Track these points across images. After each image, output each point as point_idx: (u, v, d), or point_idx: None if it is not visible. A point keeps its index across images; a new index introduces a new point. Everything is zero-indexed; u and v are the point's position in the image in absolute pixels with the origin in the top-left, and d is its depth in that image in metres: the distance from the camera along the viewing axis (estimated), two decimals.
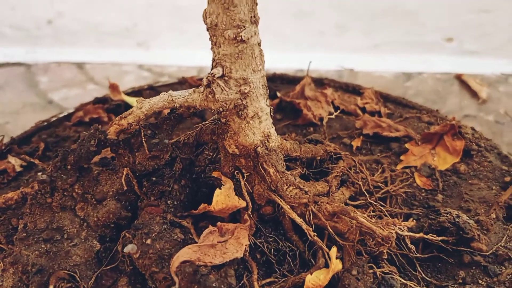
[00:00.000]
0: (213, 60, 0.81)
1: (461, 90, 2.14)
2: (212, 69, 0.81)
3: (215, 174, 0.89)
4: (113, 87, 1.31)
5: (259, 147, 0.84)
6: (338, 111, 1.30)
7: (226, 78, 0.80)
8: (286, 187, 0.85)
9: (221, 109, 0.81)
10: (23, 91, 2.21)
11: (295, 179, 0.88)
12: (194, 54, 2.39)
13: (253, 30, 0.78)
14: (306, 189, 0.87)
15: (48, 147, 1.23)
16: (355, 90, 1.43)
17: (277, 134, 0.90)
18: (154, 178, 0.88)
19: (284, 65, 2.33)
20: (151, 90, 1.43)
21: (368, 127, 1.25)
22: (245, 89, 0.80)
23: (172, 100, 0.83)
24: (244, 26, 0.76)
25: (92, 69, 2.38)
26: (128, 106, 1.33)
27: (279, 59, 2.35)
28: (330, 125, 1.29)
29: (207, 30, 0.80)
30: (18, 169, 1.15)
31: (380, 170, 1.12)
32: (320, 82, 1.45)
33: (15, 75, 2.34)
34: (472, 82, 2.15)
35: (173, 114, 0.89)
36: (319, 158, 1.01)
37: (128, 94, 1.39)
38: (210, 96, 0.80)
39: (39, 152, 1.20)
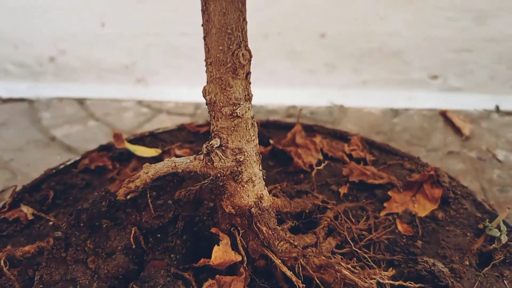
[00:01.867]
0: (212, 131, 0.92)
1: (445, 126, 2.25)
2: (211, 139, 0.91)
3: (213, 230, 0.99)
4: (117, 136, 1.41)
5: (253, 208, 0.94)
6: (326, 162, 1.40)
7: (223, 148, 0.90)
8: (278, 242, 0.95)
9: (219, 175, 0.91)
10: (26, 127, 2.30)
11: (285, 234, 0.98)
12: (191, 91, 2.51)
13: (247, 106, 0.89)
14: (296, 243, 0.97)
15: (57, 194, 1.32)
16: (343, 137, 1.53)
17: (270, 183, 1.00)
18: (159, 235, 0.98)
19: (278, 101, 2.44)
20: (152, 137, 1.53)
21: (354, 175, 1.35)
22: (240, 157, 0.90)
23: (175, 166, 0.92)
24: (239, 104, 0.87)
25: (93, 105, 2.48)
26: (130, 154, 1.43)
27: (273, 95, 2.46)
28: (319, 172, 1.39)
29: (206, 105, 0.90)
30: (30, 217, 1.24)
31: (364, 218, 1.22)
32: (310, 129, 1.56)
33: (19, 111, 2.43)
34: (456, 119, 2.26)
35: (176, 177, 0.99)
36: (307, 210, 1.11)
37: (130, 141, 1.49)
38: (209, 163, 0.90)
39: (49, 200, 1.29)
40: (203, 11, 0.83)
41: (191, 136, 1.56)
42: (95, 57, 2.54)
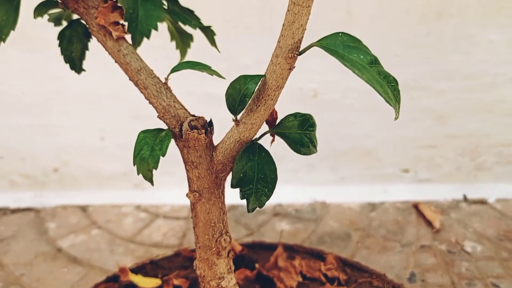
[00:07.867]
0: None
1: (418, 219, 2.47)
2: None
3: None
4: (122, 270, 1.62)
5: None
6: None
7: None
8: None
9: None
10: (34, 239, 2.49)
11: None
12: (184, 192, 2.72)
13: (230, 277, 1.11)
14: None
15: None
16: (319, 255, 1.75)
17: None
18: None
19: None
20: (152, 264, 1.73)
21: None
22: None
23: None
24: (223, 277, 1.09)
25: (95, 212, 2.69)
26: (134, 285, 1.63)
27: None
28: None
29: (198, 278, 1.12)
30: None
31: None
32: (291, 248, 1.77)
33: (26, 222, 2.63)
34: (427, 211, 2.48)
35: None
36: None
37: (133, 270, 1.69)
38: None
39: None
40: (191, 209, 1.06)
41: (187, 261, 1.77)
42: (96, 167, 2.78)
